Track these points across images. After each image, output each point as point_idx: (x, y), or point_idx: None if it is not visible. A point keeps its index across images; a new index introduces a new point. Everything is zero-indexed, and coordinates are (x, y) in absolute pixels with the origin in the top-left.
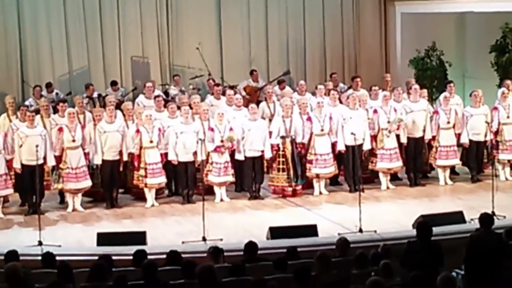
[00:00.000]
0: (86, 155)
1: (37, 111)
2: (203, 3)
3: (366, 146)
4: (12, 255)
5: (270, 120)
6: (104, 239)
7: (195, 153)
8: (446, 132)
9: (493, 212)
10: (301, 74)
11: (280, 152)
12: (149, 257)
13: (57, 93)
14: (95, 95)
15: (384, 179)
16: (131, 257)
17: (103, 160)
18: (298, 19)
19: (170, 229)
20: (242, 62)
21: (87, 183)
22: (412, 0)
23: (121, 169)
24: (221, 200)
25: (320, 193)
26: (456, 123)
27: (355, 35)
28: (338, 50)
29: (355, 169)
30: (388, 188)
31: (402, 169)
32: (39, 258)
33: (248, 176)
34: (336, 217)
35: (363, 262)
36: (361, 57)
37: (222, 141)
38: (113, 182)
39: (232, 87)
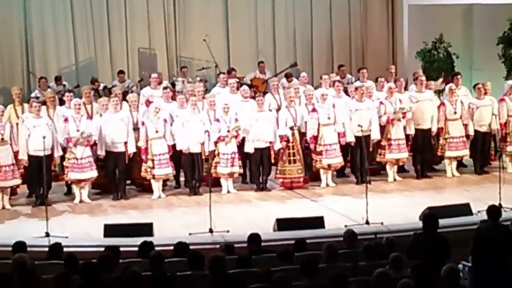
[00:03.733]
0: (92, 146)
1: (43, 103)
2: None
3: (375, 136)
4: (19, 246)
5: (277, 111)
6: (111, 230)
7: (202, 144)
8: (454, 123)
9: (500, 204)
10: (308, 66)
11: (290, 144)
12: (156, 248)
13: (64, 85)
14: (100, 87)
15: (391, 171)
16: (138, 249)
17: (108, 152)
18: (305, 11)
19: (177, 221)
20: (249, 54)
21: (92, 173)
22: None
23: (126, 161)
24: (228, 192)
25: (327, 185)
26: (463, 113)
27: (362, 27)
28: (345, 42)
29: (362, 161)
30: (395, 180)
31: (409, 161)
32: (46, 249)
33: (255, 168)
34: (343, 209)
35: (371, 254)
36: (368, 49)
37: (228, 131)
38: (118, 174)
39: (238, 79)
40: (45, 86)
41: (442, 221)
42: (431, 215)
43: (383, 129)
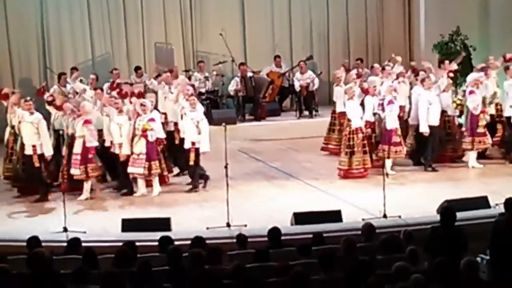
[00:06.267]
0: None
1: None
2: None
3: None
4: (33, 241)
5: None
6: (128, 225)
7: (120, 146)
8: None
9: None
10: (325, 59)
11: (362, 135)
12: (173, 243)
13: (81, 80)
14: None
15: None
16: (155, 243)
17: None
18: (321, 4)
19: (194, 215)
20: (266, 48)
21: None
22: None
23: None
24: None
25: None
26: None
27: (379, 21)
28: (361, 35)
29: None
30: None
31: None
32: (64, 244)
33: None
34: (360, 202)
35: (388, 247)
36: (385, 42)
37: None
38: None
39: (254, 73)
40: (65, 82)
41: (459, 214)
42: (448, 209)
43: (476, 118)
